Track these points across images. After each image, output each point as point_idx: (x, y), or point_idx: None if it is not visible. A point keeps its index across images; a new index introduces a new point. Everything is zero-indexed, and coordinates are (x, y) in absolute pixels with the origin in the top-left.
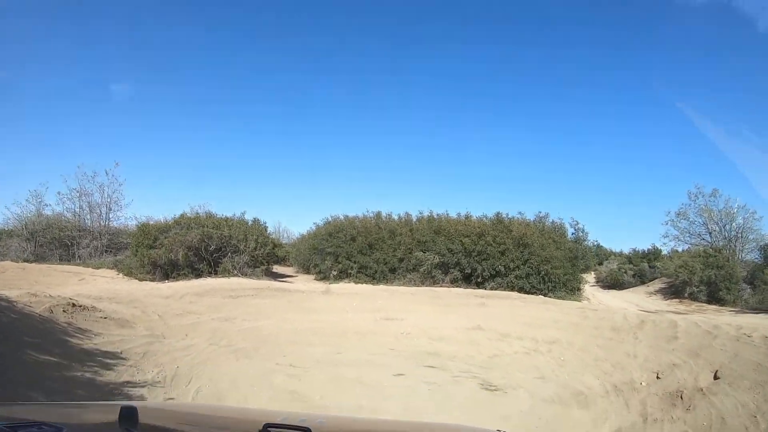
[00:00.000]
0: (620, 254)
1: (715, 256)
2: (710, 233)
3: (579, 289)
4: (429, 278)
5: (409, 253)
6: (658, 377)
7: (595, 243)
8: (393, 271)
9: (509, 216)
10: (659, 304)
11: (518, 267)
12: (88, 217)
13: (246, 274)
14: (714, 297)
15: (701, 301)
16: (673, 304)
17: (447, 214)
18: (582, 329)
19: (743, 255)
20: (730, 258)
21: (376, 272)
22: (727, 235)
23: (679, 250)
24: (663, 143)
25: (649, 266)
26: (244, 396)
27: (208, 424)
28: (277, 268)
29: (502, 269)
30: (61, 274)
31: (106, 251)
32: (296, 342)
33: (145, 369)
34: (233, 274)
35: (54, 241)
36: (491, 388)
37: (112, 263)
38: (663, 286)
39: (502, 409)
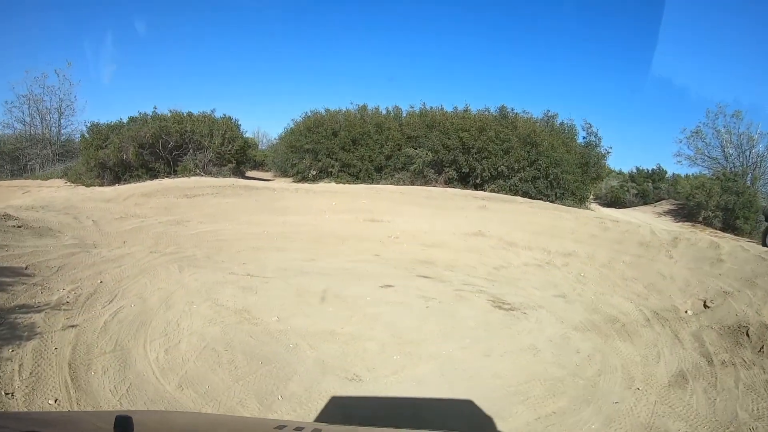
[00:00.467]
0: (620, 173)
1: (735, 181)
2: (726, 158)
3: (587, 199)
4: (420, 178)
5: (398, 149)
6: (706, 306)
7: (609, 149)
8: (379, 170)
9: (514, 111)
10: (670, 225)
11: (524, 168)
12: (39, 125)
13: (210, 174)
14: (729, 225)
15: (716, 227)
16: (686, 227)
17: (442, 109)
18: (603, 242)
19: (761, 186)
20: (751, 185)
21: (360, 171)
22: (745, 161)
23: (690, 173)
24: (684, 51)
25: (654, 187)
26: (175, 318)
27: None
28: (254, 174)
29: (505, 170)
30: (6, 189)
31: (58, 161)
32: (260, 248)
33: (53, 287)
34: (194, 173)
35: (3, 156)
36: (506, 307)
37: (61, 172)
38: (672, 207)
39: (526, 337)
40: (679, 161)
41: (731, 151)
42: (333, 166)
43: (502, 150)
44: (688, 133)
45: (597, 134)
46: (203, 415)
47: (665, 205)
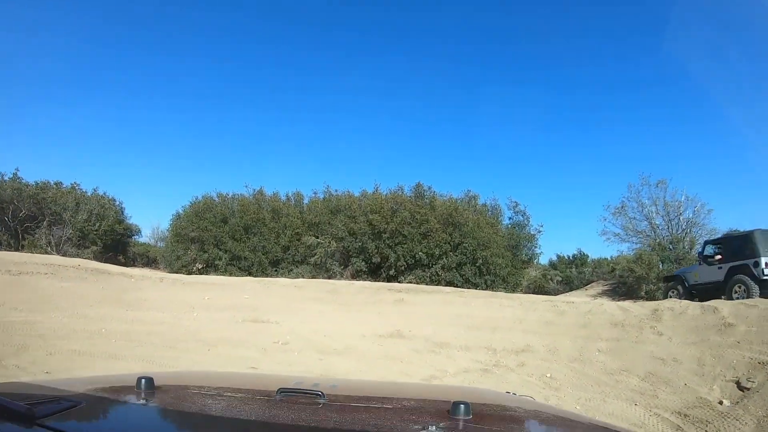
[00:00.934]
0: (538, 265)
1: (671, 249)
2: (654, 230)
3: (520, 287)
4: (323, 271)
5: (297, 239)
6: (742, 387)
7: (540, 228)
8: (275, 263)
9: (432, 190)
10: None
11: (446, 254)
12: None
13: (66, 254)
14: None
15: (660, 300)
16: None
17: (350, 193)
18: (563, 330)
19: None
20: (690, 250)
21: (252, 264)
22: (674, 229)
23: (620, 251)
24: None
25: (578, 272)
26: None
27: (224, 388)
28: (145, 272)
29: (424, 257)
30: None
31: None
32: (85, 352)
33: None
34: (45, 250)
35: None
36: None
37: None
38: (606, 288)
39: None
40: (607, 239)
41: (659, 221)
42: (221, 258)
43: (420, 233)
44: (613, 209)
45: (525, 213)
46: (217, 372)
47: (597, 287)
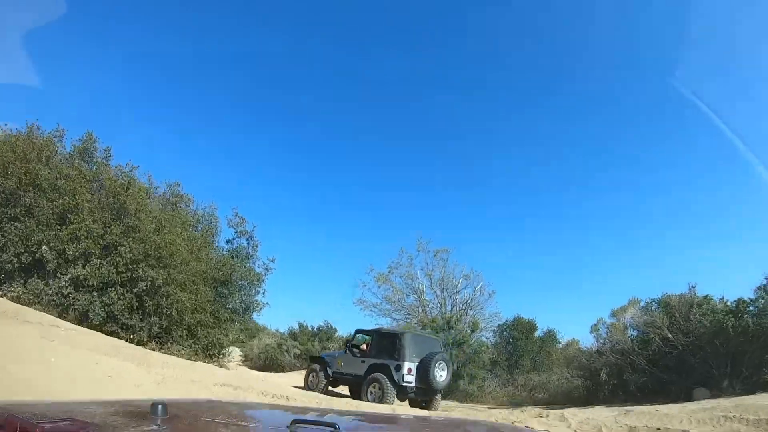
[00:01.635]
0: (276, 332)
1: (447, 329)
2: (423, 307)
3: (224, 351)
4: None
5: None
6: None
7: (271, 262)
8: None
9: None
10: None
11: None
12: None
13: None
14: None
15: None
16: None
17: None
18: None
19: (481, 334)
20: (472, 332)
21: None
22: (446, 309)
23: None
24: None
25: (321, 347)
26: None
27: (237, 417)
28: None
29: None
30: None
31: None
32: None
33: None
34: None
35: None
36: None
37: None
38: None
39: None
40: (365, 308)
41: (429, 296)
42: None
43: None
44: (376, 274)
45: (252, 234)
46: (231, 402)
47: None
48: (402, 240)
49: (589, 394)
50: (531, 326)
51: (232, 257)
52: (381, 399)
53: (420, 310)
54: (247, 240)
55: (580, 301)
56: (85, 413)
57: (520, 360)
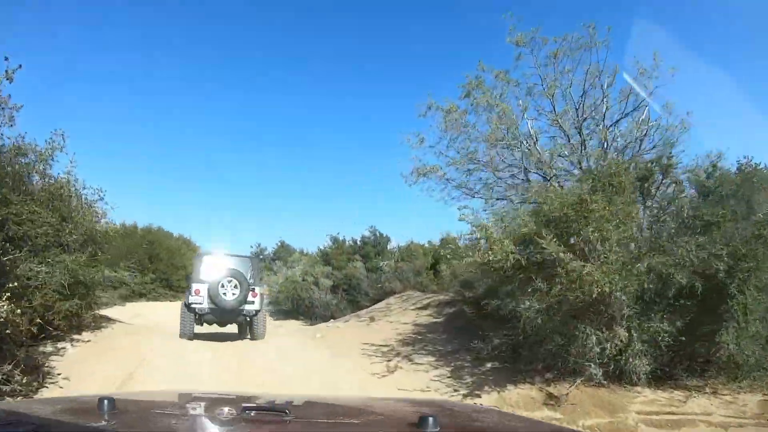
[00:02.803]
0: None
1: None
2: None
3: None
4: None
5: None
6: None
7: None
8: None
9: None
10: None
11: None
12: None
13: None
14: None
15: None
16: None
17: None
18: None
19: None
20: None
21: None
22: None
23: None
24: None
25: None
26: None
27: (187, 408)
28: None
29: None
30: None
31: None
32: None
33: None
34: None
35: None
36: None
37: None
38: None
39: None
40: (424, 182)
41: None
42: None
43: None
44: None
45: None
46: (179, 391)
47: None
48: None
49: None
50: None
51: None
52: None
53: (537, 166)
54: None
55: None
56: (31, 412)
57: None
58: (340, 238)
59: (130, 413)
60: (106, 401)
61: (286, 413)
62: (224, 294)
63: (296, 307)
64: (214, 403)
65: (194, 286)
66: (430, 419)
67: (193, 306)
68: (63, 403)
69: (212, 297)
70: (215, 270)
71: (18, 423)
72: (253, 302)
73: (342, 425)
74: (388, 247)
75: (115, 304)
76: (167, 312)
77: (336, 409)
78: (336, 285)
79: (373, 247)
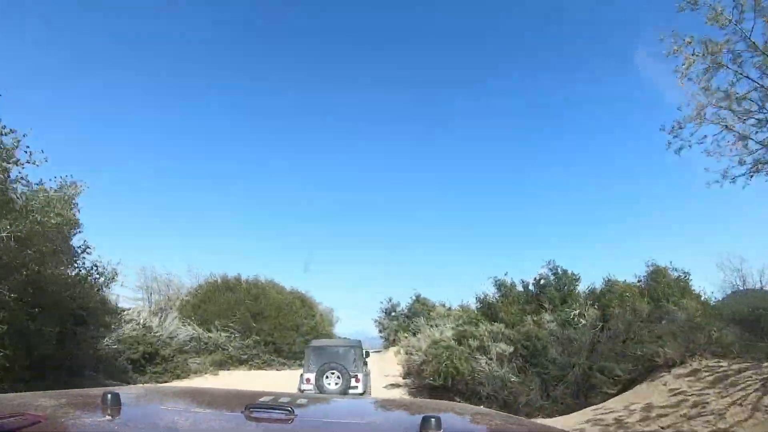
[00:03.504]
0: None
1: None
2: None
3: None
4: None
5: None
6: None
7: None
8: None
9: None
10: None
11: None
12: None
13: None
14: None
15: None
16: None
17: None
18: None
19: None
20: None
21: None
22: None
23: None
24: None
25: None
26: None
27: (191, 405)
28: None
29: None
30: None
31: None
32: None
33: None
34: None
35: None
36: None
37: None
38: None
39: None
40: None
41: None
42: None
43: None
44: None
45: None
46: (184, 388)
47: None
48: None
49: None
50: None
51: None
52: None
53: None
54: None
55: None
56: (36, 405)
57: None
58: (509, 281)
59: (134, 408)
60: (110, 396)
61: (289, 411)
62: (328, 384)
63: (451, 383)
64: (218, 400)
65: (305, 375)
66: (433, 420)
67: (305, 393)
68: (68, 397)
69: (318, 387)
70: (322, 358)
71: (23, 415)
72: (356, 387)
73: (346, 425)
74: (576, 289)
75: (206, 372)
76: (274, 386)
77: (340, 410)
78: (515, 350)
79: (557, 291)
